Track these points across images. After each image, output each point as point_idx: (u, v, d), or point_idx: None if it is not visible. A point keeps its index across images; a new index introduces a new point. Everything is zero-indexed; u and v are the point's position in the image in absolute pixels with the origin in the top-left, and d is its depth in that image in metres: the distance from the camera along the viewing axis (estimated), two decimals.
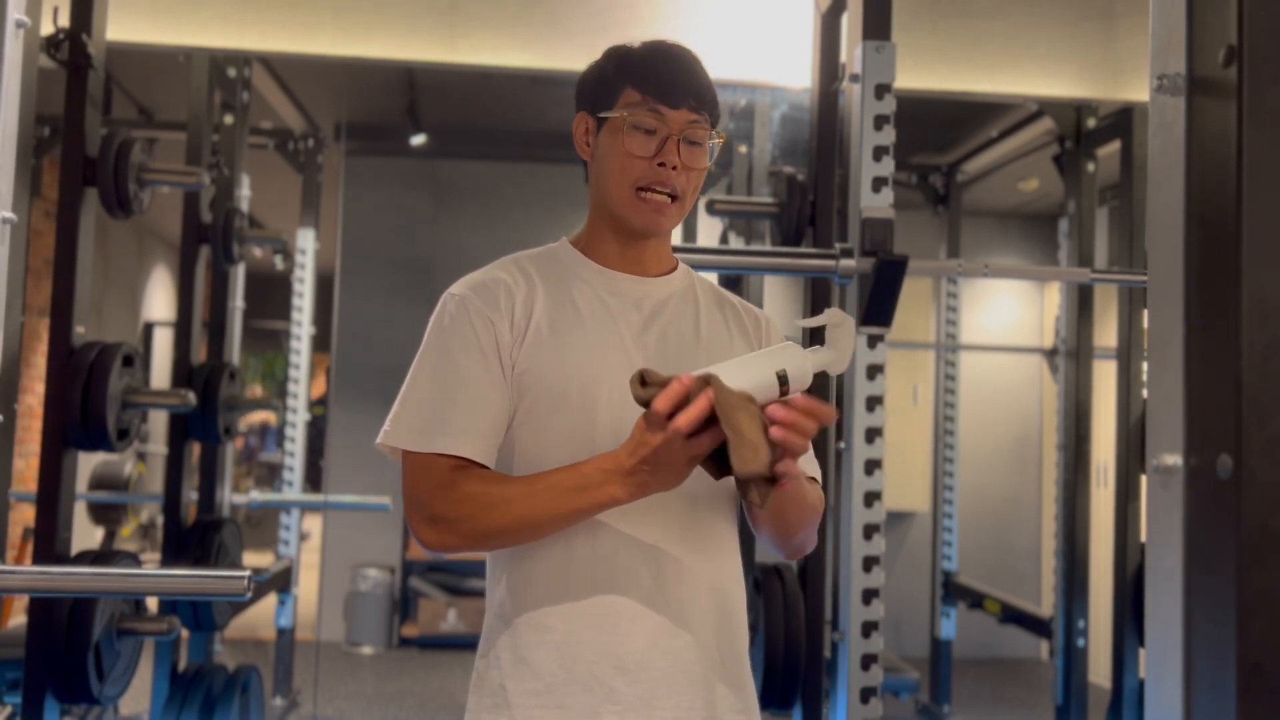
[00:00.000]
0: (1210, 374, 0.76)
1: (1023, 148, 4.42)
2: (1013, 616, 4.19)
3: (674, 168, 1.22)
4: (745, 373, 1.08)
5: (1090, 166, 3.78)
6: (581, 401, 1.19)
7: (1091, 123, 3.77)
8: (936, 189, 4.82)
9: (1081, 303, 3.79)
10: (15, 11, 1.79)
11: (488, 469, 1.18)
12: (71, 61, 2.28)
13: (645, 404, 1.05)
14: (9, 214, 1.80)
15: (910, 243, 1.99)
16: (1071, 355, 3.79)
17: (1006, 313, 6.32)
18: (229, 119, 3.62)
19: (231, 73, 3.60)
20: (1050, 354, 4.12)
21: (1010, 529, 6.13)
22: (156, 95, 4.42)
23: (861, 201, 1.95)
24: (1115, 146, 3.72)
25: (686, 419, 1.03)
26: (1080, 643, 3.68)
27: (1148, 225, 0.84)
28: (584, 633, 1.16)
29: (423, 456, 1.16)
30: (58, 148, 2.53)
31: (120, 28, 2.45)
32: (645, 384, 1.06)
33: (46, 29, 2.21)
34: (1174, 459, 0.78)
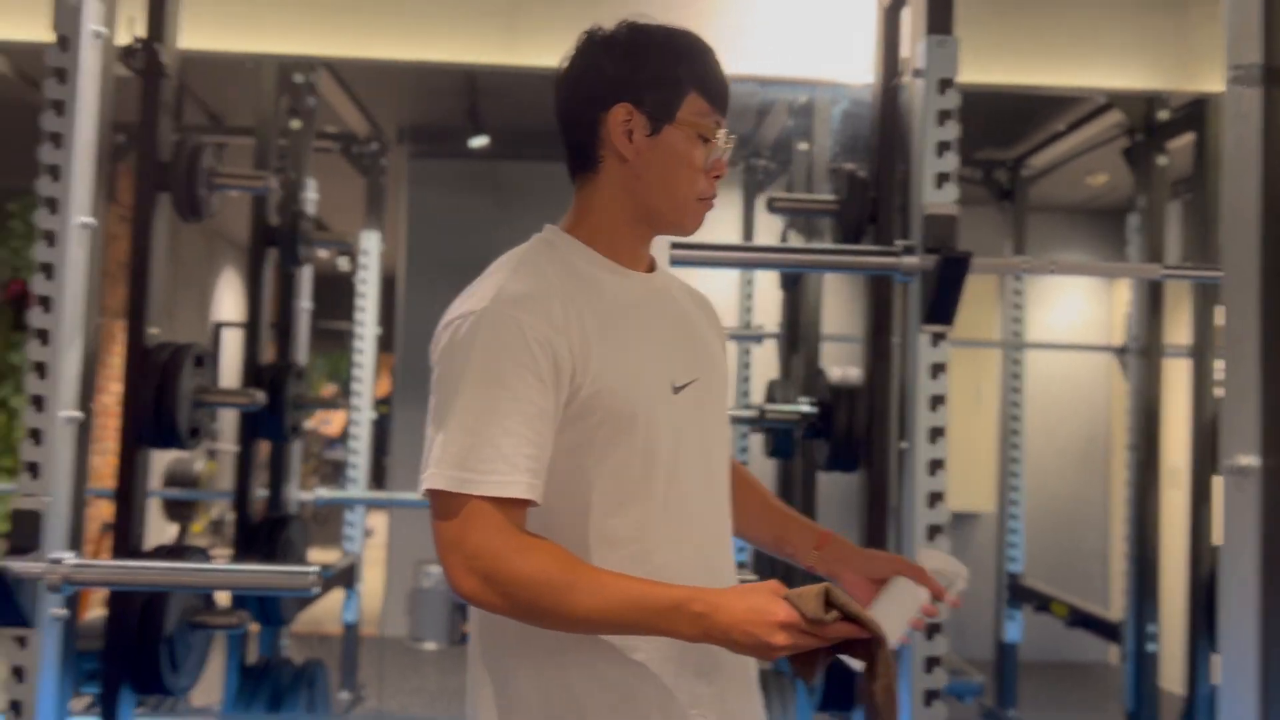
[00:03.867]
0: None
1: (1091, 141, 4.32)
2: (1080, 620, 4.10)
3: (718, 176, 1.22)
4: (900, 624, 1.16)
5: (1161, 160, 3.69)
6: (647, 430, 1.14)
7: (1163, 115, 3.67)
8: (1001, 184, 4.74)
9: (1152, 299, 3.70)
10: (92, 22, 1.84)
11: (541, 537, 1.09)
12: (146, 70, 2.34)
13: (812, 619, 1.04)
14: (88, 219, 1.85)
15: (974, 239, 1.96)
16: (1142, 353, 3.70)
17: (1074, 310, 6.19)
18: (295, 124, 3.69)
19: (298, 78, 3.67)
20: (1120, 352, 4.02)
21: (1078, 530, 6.00)
22: (226, 101, 4.52)
23: (924, 198, 1.92)
24: (1188, 139, 3.62)
25: (845, 657, 1.07)
26: (1151, 647, 3.59)
27: (1222, 219, 0.82)
28: (664, 645, 1.12)
29: (478, 502, 1.06)
30: (132, 154, 2.60)
31: (191, 36, 2.52)
32: (829, 605, 1.05)
33: (122, 39, 2.27)
34: (1249, 459, 0.75)
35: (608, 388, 1.13)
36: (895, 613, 1.16)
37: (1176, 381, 3.88)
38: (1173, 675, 4.09)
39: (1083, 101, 4.01)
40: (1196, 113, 3.55)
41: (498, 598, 1.06)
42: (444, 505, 1.08)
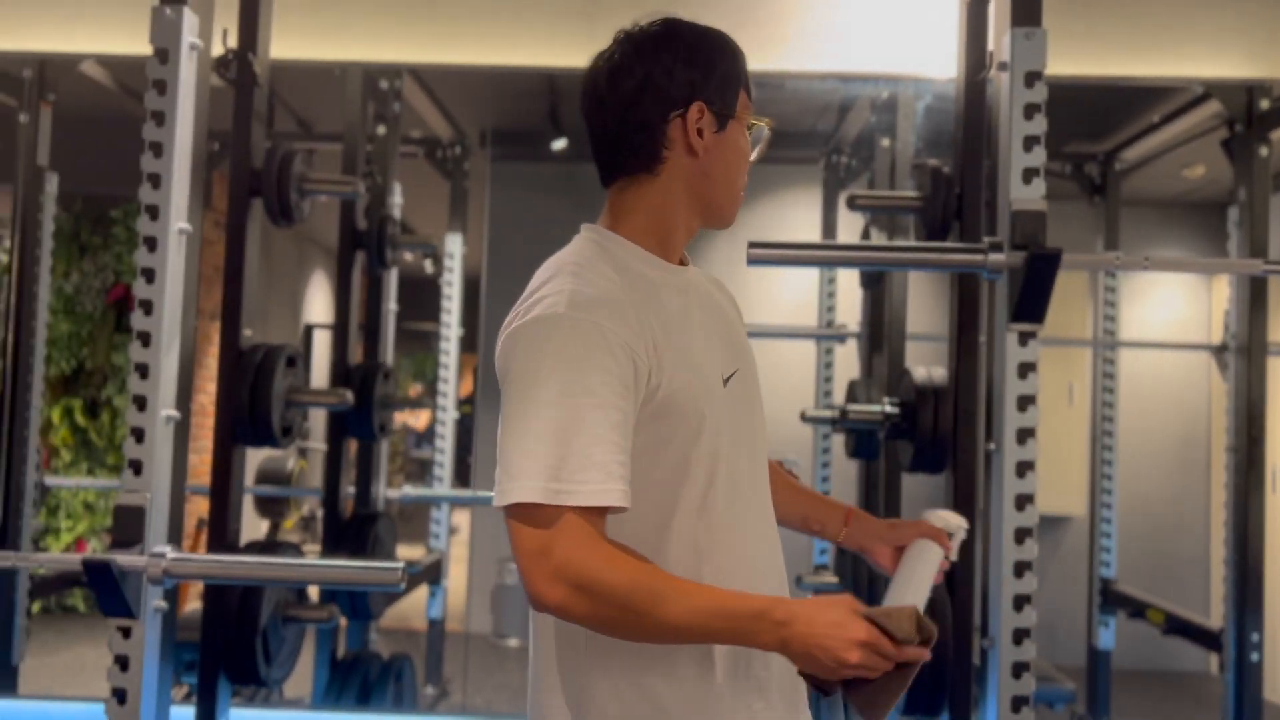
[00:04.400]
0: None
1: (1187, 133, 4.17)
2: (1178, 627, 3.97)
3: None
4: (926, 588, 1.24)
5: (1263, 151, 3.55)
6: (713, 429, 1.16)
7: (1264, 104, 3.53)
8: (1092, 178, 4.61)
9: (1254, 296, 3.56)
10: (189, 35, 1.91)
11: (624, 546, 1.08)
12: (239, 80, 2.42)
13: (903, 641, 1.06)
14: (185, 225, 1.92)
15: (1064, 235, 1.91)
16: (1242, 351, 3.56)
17: (1170, 307, 5.99)
18: (381, 129, 3.76)
19: (383, 85, 3.75)
20: (1219, 350, 3.88)
21: (1174, 535, 5.81)
22: (314, 109, 4.64)
23: (1011, 193, 1.88)
24: None
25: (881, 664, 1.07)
26: (1254, 657, 3.46)
27: None
28: (730, 656, 1.16)
29: (569, 512, 1.03)
30: (226, 162, 2.69)
31: (281, 46, 2.59)
32: (920, 629, 1.08)
33: (216, 50, 2.35)
34: None
35: (680, 389, 1.13)
36: (924, 579, 1.24)
37: (1279, 381, 3.72)
38: (1277, 687, 3.93)
39: (1178, 92, 3.88)
40: None
41: (585, 608, 1.03)
42: (529, 515, 1.04)
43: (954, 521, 1.30)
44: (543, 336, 1.08)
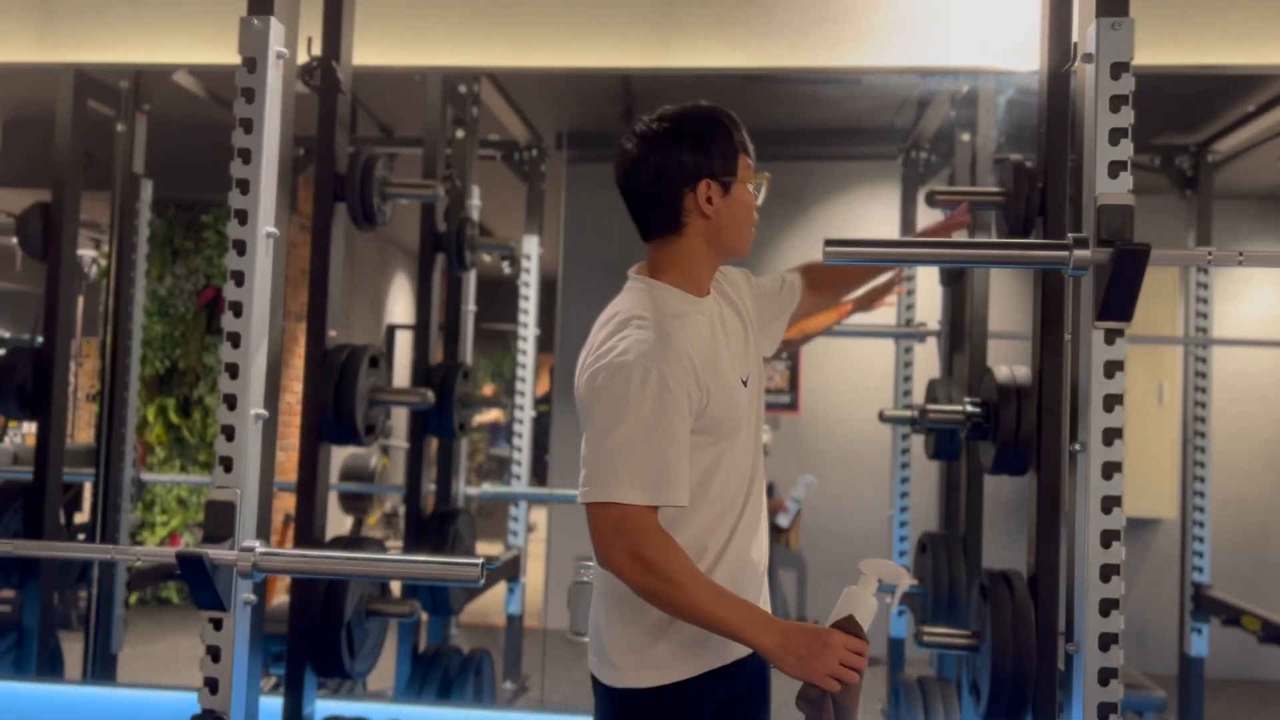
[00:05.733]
0: None
1: None
2: (1275, 635, 3.83)
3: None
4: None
5: None
6: (744, 433, 1.58)
7: None
8: (1183, 171, 4.46)
9: None
10: (276, 44, 1.96)
11: (672, 538, 1.46)
12: (323, 87, 2.47)
13: (843, 627, 1.43)
14: (272, 229, 1.97)
15: (1153, 230, 1.86)
16: None
17: (1266, 304, 5.77)
18: (460, 133, 3.82)
19: (462, 89, 3.80)
20: None
21: (1271, 539, 5.59)
22: (395, 114, 4.73)
23: (1097, 188, 1.83)
24: None
25: (861, 661, 1.42)
26: None
27: None
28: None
29: (640, 510, 1.42)
30: (310, 166, 2.75)
31: (363, 53, 2.64)
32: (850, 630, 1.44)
33: (301, 58, 2.41)
34: None
35: (719, 407, 1.52)
36: (856, 607, 1.47)
37: None
38: None
39: (1274, 80, 3.74)
40: None
41: (639, 576, 1.42)
42: (610, 508, 1.43)
43: (893, 574, 1.48)
44: (622, 379, 1.44)
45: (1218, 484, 4.29)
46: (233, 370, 1.90)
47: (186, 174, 5.31)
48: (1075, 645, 1.88)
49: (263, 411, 1.94)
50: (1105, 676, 1.84)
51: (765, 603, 1.66)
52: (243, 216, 1.92)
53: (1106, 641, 1.85)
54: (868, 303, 2.32)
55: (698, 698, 1.54)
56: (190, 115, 4.02)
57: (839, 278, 1.97)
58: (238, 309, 1.91)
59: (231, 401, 1.90)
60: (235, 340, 1.90)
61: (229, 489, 1.87)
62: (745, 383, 1.60)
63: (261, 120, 1.92)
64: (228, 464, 1.88)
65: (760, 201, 1.63)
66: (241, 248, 1.91)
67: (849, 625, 1.42)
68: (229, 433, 1.89)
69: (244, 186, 1.92)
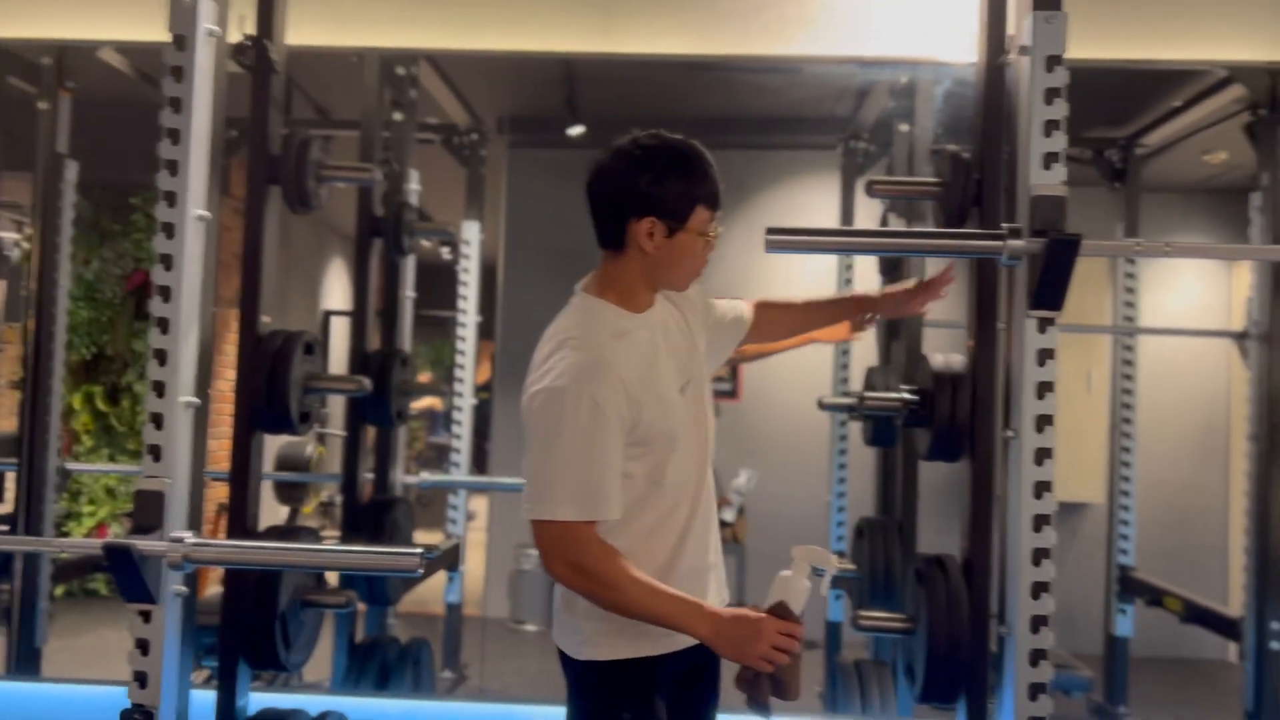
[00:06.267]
0: None
1: (1209, 117, 4.12)
2: (1197, 615, 3.95)
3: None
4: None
5: None
6: (684, 440, 1.64)
7: None
8: (1113, 163, 4.56)
9: (1276, 282, 3.52)
10: (206, 21, 1.91)
11: (611, 546, 1.55)
12: (256, 66, 2.42)
13: (775, 612, 1.52)
14: (203, 211, 1.93)
15: (1084, 221, 1.90)
16: (1265, 339, 3.53)
17: (1191, 294, 5.94)
18: (398, 116, 3.76)
19: (400, 71, 3.75)
20: (1240, 337, 3.84)
21: (1194, 523, 5.77)
22: (331, 95, 4.65)
23: (1031, 179, 1.87)
24: None
25: (792, 644, 1.52)
26: (1274, 645, 3.44)
27: None
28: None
29: (577, 524, 1.53)
30: (243, 149, 2.69)
31: (298, 32, 2.59)
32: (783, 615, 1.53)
33: (233, 37, 2.35)
34: None
35: (652, 422, 1.58)
36: (788, 592, 1.54)
37: None
38: None
39: (1200, 76, 3.83)
40: None
41: (580, 583, 1.55)
42: (550, 528, 1.54)
43: (822, 559, 1.54)
44: (557, 402, 1.53)
45: (1143, 469, 4.41)
46: (161, 357, 1.86)
47: (114, 155, 5.16)
48: (1007, 628, 1.92)
49: (193, 399, 1.89)
50: (1035, 658, 1.89)
51: (722, 596, 1.74)
52: (172, 199, 1.87)
53: (1037, 623, 1.89)
54: (826, 337, 2.33)
55: (657, 671, 1.63)
56: (117, 94, 3.91)
57: (789, 321, 2.02)
58: (167, 294, 1.87)
59: (160, 389, 1.85)
60: (164, 326, 1.86)
61: (158, 478, 1.82)
62: (685, 389, 1.66)
63: (191, 100, 1.87)
64: (157, 453, 1.84)
65: (702, 248, 1.65)
66: (171, 231, 1.87)
67: (781, 610, 1.51)
68: (158, 421, 1.85)
69: (173, 168, 1.87)
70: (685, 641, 1.61)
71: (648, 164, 1.59)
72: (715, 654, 1.69)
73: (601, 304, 1.65)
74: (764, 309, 1.98)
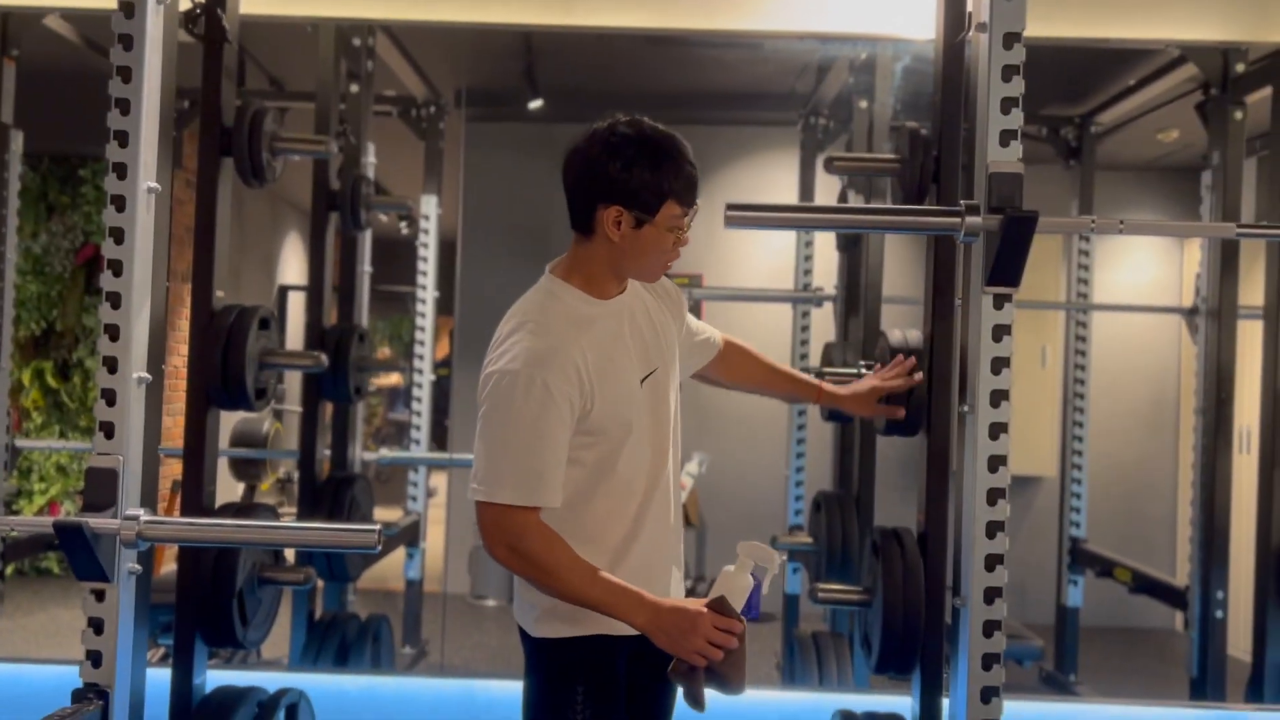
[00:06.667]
0: None
1: (1163, 96, 4.18)
2: (1145, 586, 4.05)
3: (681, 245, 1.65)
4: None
5: (1238, 114, 3.56)
6: (639, 431, 1.62)
7: (1240, 68, 3.54)
8: (1068, 141, 4.62)
9: (1225, 259, 3.59)
10: None
11: (553, 531, 1.55)
12: (208, 36, 2.37)
13: (714, 607, 1.50)
14: (154, 184, 1.89)
15: (1040, 198, 1.91)
16: (1213, 315, 3.60)
17: (1142, 271, 6.04)
18: (355, 88, 3.71)
19: (356, 42, 3.69)
20: (1189, 314, 3.92)
21: (1143, 496, 5.89)
22: (286, 66, 4.56)
23: (988, 156, 1.88)
24: (1265, 93, 3.49)
25: (729, 639, 1.51)
26: (1219, 614, 3.53)
27: None
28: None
29: (519, 509, 1.52)
30: (196, 120, 2.64)
31: (251, 1, 2.54)
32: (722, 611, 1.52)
33: (184, 5, 2.30)
34: None
35: (604, 412, 1.57)
36: (730, 589, 1.53)
37: (1248, 344, 3.77)
38: (1241, 643, 4.02)
39: (1154, 55, 3.88)
40: (1275, 66, 3.42)
41: (518, 566, 1.55)
42: (492, 511, 1.53)
43: (765, 556, 1.53)
44: (508, 386, 1.53)
45: (1095, 444, 4.49)
46: (113, 332, 1.82)
47: (62, 125, 5.05)
48: (962, 599, 1.95)
49: (145, 375, 1.86)
50: (989, 629, 1.92)
51: (679, 583, 1.74)
52: (121, 170, 1.83)
53: (991, 595, 1.92)
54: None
55: (614, 648, 1.64)
56: (64, 62, 3.81)
57: (749, 372, 2.01)
58: (118, 268, 1.83)
59: (112, 364, 1.82)
60: (115, 301, 1.82)
61: (111, 455, 1.79)
62: (646, 379, 1.65)
63: (141, 69, 1.83)
64: (109, 430, 1.81)
65: (675, 244, 1.62)
66: (121, 203, 1.83)
67: (720, 605, 1.50)
68: (110, 397, 1.81)
69: (122, 139, 1.83)
70: None
71: (619, 151, 1.56)
72: None
73: (566, 288, 1.63)
74: (733, 349, 1.98)
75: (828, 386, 2.06)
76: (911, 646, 2.31)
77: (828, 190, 4.46)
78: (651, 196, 1.57)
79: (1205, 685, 3.51)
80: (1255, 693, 3.36)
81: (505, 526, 1.53)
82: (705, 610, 1.50)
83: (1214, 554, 3.55)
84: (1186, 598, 3.67)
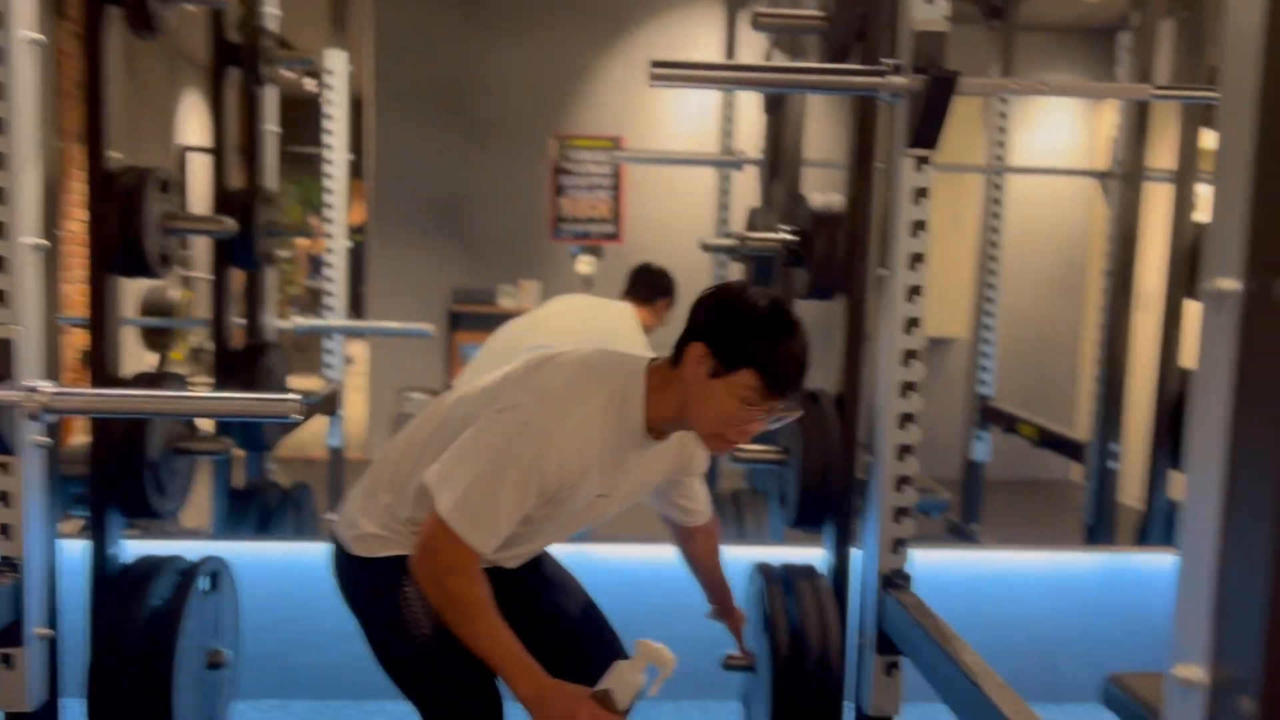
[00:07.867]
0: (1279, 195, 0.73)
1: None
2: (1048, 440, 4.23)
3: (746, 433, 1.61)
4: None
5: None
6: (558, 517, 1.66)
7: None
8: (991, 1, 4.57)
9: (1139, 123, 3.64)
10: None
11: (482, 574, 1.56)
12: None
13: (598, 698, 1.50)
14: (35, 35, 1.76)
15: (961, 59, 1.90)
16: (1126, 178, 3.66)
17: (1058, 134, 6.10)
18: None
19: None
20: (1103, 177, 3.98)
21: (1049, 355, 6.11)
22: None
23: (913, 14, 1.85)
24: None
25: None
26: (1112, 465, 3.72)
27: (1223, 35, 0.78)
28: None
29: (464, 546, 1.52)
30: None
31: None
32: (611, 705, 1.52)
33: None
34: (1231, 283, 0.75)
35: (566, 500, 1.60)
36: (619, 684, 1.53)
37: (1157, 207, 3.86)
38: (1132, 491, 4.25)
39: None
40: None
41: (434, 593, 1.55)
42: (445, 531, 1.53)
43: (662, 659, 1.51)
44: (528, 441, 1.54)
45: (1007, 305, 4.60)
46: (1, 195, 1.72)
47: None
48: (874, 456, 2.02)
49: (40, 240, 1.77)
50: (900, 483, 1.99)
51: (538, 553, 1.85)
52: None
53: (903, 451, 1.99)
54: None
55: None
56: None
57: (692, 547, 2.01)
58: (1, 126, 1.72)
59: (1, 230, 1.73)
60: (1, 161, 1.72)
61: (6, 325, 1.72)
62: (601, 496, 1.67)
63: None
64: (2, 298, 1.73)
65: (742, 418, 1.57)
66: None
67: (604, 699, 1.50)
68: (1, 264, 1.73)
69: None
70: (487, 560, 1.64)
71: (749, 310, 1.56)
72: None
73: (638, 407, 1.61)
74: (703, 536, 2.00)
75: (736, 615, 2.09)
76: (826, 501, 2.39)
77: (753, 49, 4.36)
78: (739, 354, 1.54)
79: (1099, 530, 3.72)
80: (1144, 537, 3.58)
81: (444, 552, 1.53)
82: (589, 699, 1.50)
83: (1111, 408, 3.71)
84: (1084, 451, 3.85)
